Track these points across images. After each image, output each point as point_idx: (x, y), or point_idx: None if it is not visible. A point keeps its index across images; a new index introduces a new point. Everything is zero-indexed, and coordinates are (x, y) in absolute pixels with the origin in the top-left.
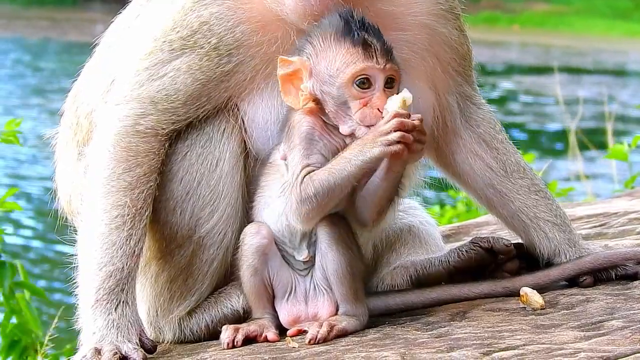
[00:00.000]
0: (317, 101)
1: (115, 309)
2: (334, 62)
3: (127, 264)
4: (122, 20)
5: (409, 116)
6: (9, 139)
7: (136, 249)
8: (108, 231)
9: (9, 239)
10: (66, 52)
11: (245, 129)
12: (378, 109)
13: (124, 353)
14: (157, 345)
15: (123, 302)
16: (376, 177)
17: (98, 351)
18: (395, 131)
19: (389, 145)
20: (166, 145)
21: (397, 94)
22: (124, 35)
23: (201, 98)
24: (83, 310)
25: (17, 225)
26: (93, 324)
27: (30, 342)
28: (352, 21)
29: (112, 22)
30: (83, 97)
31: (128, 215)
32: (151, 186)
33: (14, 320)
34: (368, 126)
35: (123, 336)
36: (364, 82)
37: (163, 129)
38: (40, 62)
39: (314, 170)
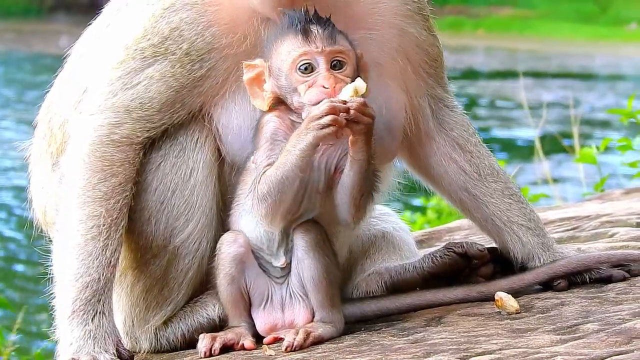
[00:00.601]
0: (280, 101)
1: (92, 319)
2: (280, 54)
3: (103, 275)
4: (93, 30)
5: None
6: None
7: (112, 259)
8: (84, 242)
9: None
10: (32, 64)
11: (219, 137)
12: (323, 86)
13: None
14: (134, 355)
15: (100, 312)
16: (345, 171)
17: None
18: (326, 115)
19: (321, 128)
20: (141, 154)
21: (353, 78)
22: (95, 45)
23: (175, 104)
24: (60, 322)
25: None
26: (70, 335)
27: None
28: (297, 15)
29: (81, 33)
30: (56, 108)
31: (104, 225)
32: (127, 196)
33: None
34: (317, 103)
35: (100, 347)
36: (307, 67)
37: (138, 136)
38: (8, 74)
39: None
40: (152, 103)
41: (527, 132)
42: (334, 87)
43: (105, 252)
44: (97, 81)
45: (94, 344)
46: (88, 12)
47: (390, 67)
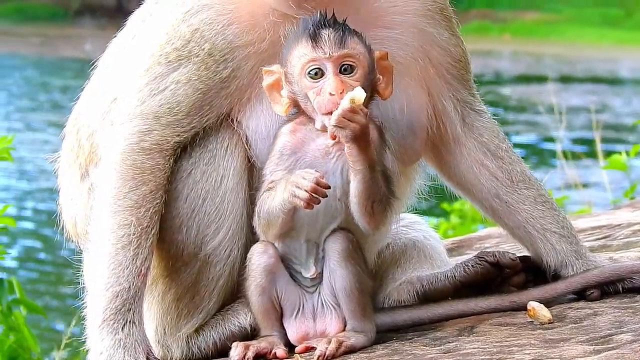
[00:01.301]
0: (298, 106)
1: (122, 328)
2: (292, 60)
3: (133, 284)
4: (119, 41)
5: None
6: (2, 157)
7: (143, 268)
8: (114, 251)
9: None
10: (59, 68)
11: (248, 142)
12: (330, 93)
13: None
14: None
15: (130, 321)
16: (350, 180)
17: None
18: (305, 192)
19: (294, 196)
20: (171, 161)
21: (364, 82)
22: (121, 56)
23: (204, 107)
24: (91, 330)
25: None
26: (100, 344)
27: (28, 358)
28: (311, 19)
29: (106, 37)
30: (84, 120)
31: (134, 234)
32: (157, 204)
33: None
34: (327, 114)
35: (130, 356)
36: (317, 73)
37: (168, 142)
38: (35, 78)
39: (270, 188)
40: (180, 107)
41: (554, 137)
42: (341, 92)
43: (136, 261)
44: (125, 90)
45: (124, 352)
46: (114, 16)
47: (411, 67)
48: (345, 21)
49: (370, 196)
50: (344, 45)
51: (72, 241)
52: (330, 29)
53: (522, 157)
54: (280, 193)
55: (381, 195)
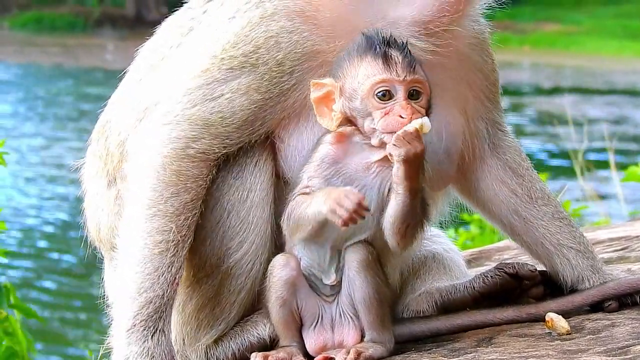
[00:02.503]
0: (349, 121)
1: (152, 336)
2: (357, 77)
3: (167, 292)
4: (151, 50)
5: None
6: None
7: (177, 277)
8: (151, 256)
9: None
10: (79, 77)
11: (283, 157)
12: (400, 115)
13: None
14: None
15: (160, 330)
16: (390, 200)
17: None
18: (346, 211)
19: (334, 212)
20: (214, 172)
21: (426, 109)
22: (159, 64)
23: (256, 122)
24: (118, 333)
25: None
26: (127, 348)
27: None
28: (376, 37)
29: (126, 46)
30: (113, 127)
31: (172, 241)
32: (195, 214)
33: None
34: (391, 132)
35: None
36: (385, 94)
37: (215, 152)
38: (54, 88)
39: (305, 193)
40: (233, 119)
41: (571, 148)
42: (411, 117)
43: (171, 269)
44: (172, 90)
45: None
46: (134, 26)
47: (453, 91)
48: (407, 44)
49: (406, 220)
50: (414, 71)
51: (96, 247)
52: (398, 51)
53: (539, 168)
54: (317, 204)
55: (416, 221)
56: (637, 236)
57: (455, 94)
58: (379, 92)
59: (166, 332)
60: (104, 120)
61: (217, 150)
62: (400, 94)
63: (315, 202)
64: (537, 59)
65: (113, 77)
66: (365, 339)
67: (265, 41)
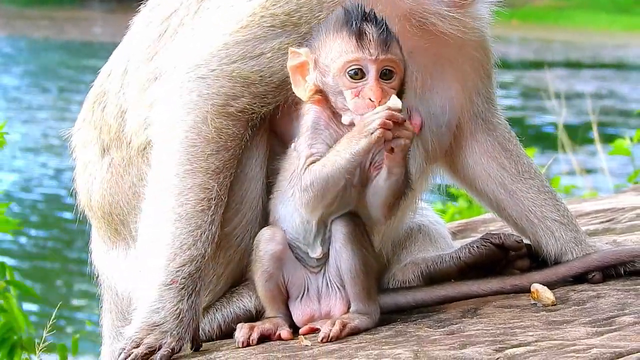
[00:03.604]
0: (321, 93)
1: (188, 298)
2: (330, 53)
3: (208, 250)
4: (159, 18)
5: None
6: None
7: (216, 236)
8: (193, 212)
9: None
10: (66, 51)
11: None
12: (370, 99)
13: (166, 346)
14: (201, 345)
15: (197, 291)
16: (380, 181)
17: (148, 335)
18: (381, 124)
19: (372, 133)
20: (249, 132)
21: (400, 88)
22: (177, 27)
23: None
24: (150, 284)
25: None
26: (159, 301)
27: (18, 340)
28: (354, 12)
29: (115, 20)
30: (112, 98)
31: (214, 199)
32: (232, 173)
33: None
34: (361, 115)
35: (178, 333)
36: (357, 73)
37: (254, 111)
38: (43, 61)
39: (315, 161)
40: (273, 78)
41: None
42: (380, 100)
43: (212, 228)
44: (203, 45)
45: (178, 325)
46: (121, 0)
47: (456, 67)
48: (385, 21)
49: (396, 194)
50: (388, 49)
51: (85, 214)
52: (374, 27)
53: (525, 143)
54: (348, 148)
55: (401, 193)
56: (623, 208)
57: (457, 69)
58: (350, 71)
59: (200, 295)
60: (101, 90)
61: (256, 110)
62: (371, 73)
63: (343, 149)
64: (526, 33)
65: (102, 50)
66: (350, 310)
67: (307, 0)
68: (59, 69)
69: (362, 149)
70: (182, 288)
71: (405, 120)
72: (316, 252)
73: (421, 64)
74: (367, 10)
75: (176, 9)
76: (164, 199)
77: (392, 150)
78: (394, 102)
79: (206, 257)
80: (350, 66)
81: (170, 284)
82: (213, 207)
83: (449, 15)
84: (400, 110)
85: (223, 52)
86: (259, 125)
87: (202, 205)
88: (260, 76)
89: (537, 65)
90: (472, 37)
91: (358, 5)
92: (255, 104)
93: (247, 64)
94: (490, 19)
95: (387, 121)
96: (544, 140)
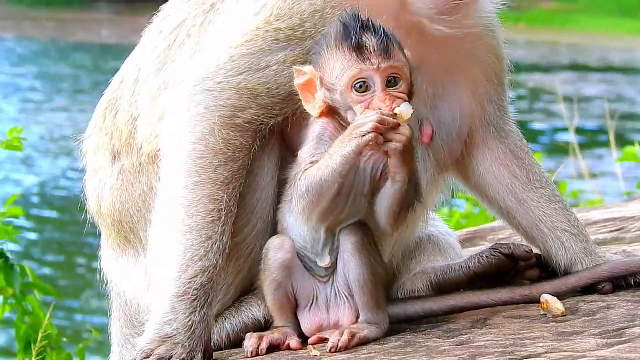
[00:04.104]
0: (331, 109)
1: (201, 309)
2: (334, 70)
3: (219, 262)
4: (168, 29)
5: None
6: (14, 146)
7: (226, 248)
8: (203, 224)
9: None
10: (74, 53)
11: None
12: (380, 109)
13: (177, 357)
14: (212, 357)
15: (209, 303)
16: (386, 188)
17: (160, 347)
18: (372, 126)
19: (363, 136)
20: (258, 143)
21: (409, 93)
22: (185, 39)
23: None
24: (162, 295)
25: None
26: (171, 313)
27: (45, 341)
28: (352, 25)
29: (123, 22)
30: (125, 105)
31: (224, 210)
32: (242, 184)
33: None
34: None
35: (190, 345)
36: (362, 86)
37: (261, 123)
38: (49, 63)
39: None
40: (279, 90)
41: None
42: (391, 108)
43: (223, 239)
44: (209, 58)
45: (189, 338)
46: (130, 1)
47: (467, 74)
48: (383, 28)
49: (402, 204)
50: (390, 57)
51: (94, 221)
52: (374, 37)
53: (534, 146)
54: (340, 150)
55: (410, 203)
56: (632, 217)
57: (469, 75)
58: (356, 85)
59: (212, 307)
60: (114, 97)
61: (264, 121)
62: (377, 84)
63: (335, 152)
64: (533, 36)
65: (109, 52)
66: (359, 320)
67: (310, 15)
68: (66, 70)
69: (353, 151)
70: (195, 300)
71: (399, 125)
72: (325, 262)
73: (431, 74)
74: (365, 20)
75: (184, 19)
76: (174, 210)
77: (387, 154)
78: (405, 110)
79: (218, 268)
80: (356, 81)
81: (183, 296)
82: (223, 217)
83: (442, 20)
84: (410, 119)
85: (229, 65)
86: (270, 136)
87: (213, 217)
88: (267, 88)
89: (544, 69)
90: (474, 34)
91: (355, 15)
92: (262, 115)
93: (254, 76)
94: (498, 22)
95: (379, 125)
96: (552, 144)
